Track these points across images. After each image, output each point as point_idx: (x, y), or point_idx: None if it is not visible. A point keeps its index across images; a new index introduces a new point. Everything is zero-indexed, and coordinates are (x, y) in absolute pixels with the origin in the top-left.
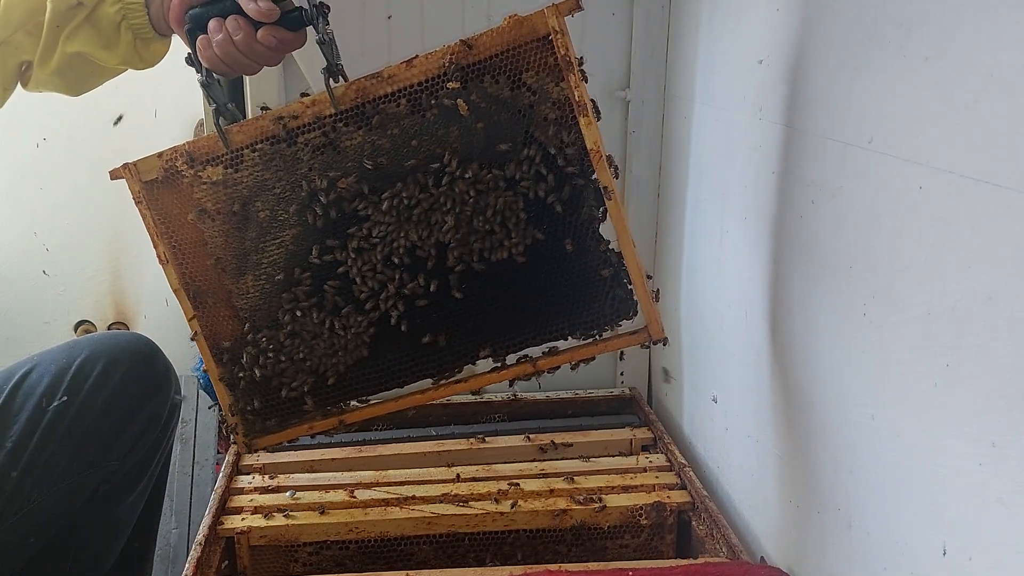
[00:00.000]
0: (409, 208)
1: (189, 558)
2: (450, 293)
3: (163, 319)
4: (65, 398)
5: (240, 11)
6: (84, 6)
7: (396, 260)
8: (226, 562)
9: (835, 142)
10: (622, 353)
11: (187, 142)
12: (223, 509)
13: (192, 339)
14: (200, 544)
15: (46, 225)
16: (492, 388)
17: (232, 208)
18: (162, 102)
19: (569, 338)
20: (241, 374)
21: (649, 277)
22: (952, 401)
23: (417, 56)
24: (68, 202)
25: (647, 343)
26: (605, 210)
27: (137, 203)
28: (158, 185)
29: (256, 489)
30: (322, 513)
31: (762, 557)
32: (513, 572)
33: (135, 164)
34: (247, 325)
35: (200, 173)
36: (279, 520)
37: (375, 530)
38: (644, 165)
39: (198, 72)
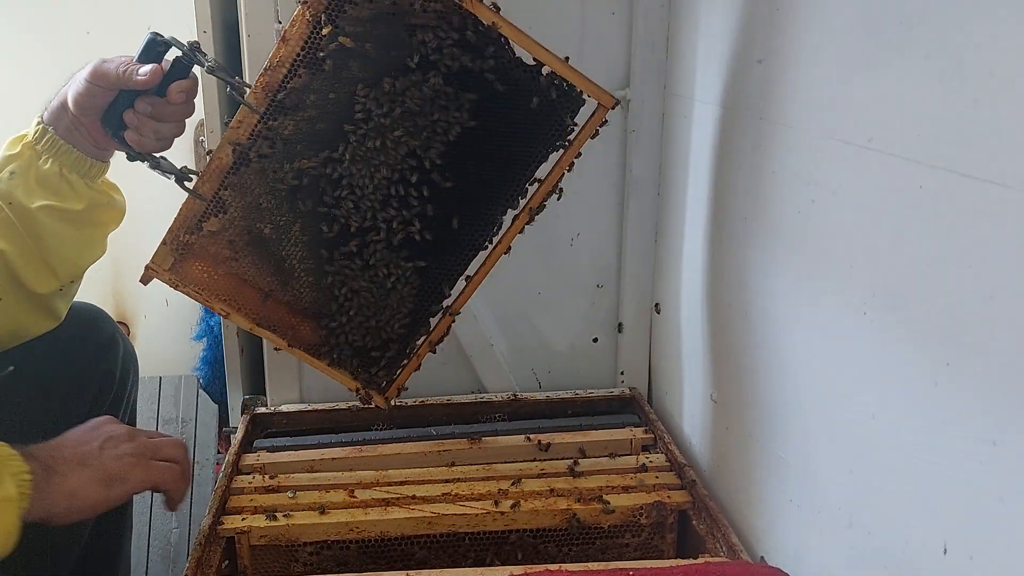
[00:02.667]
0: (365, 147)
1: (189, 558)
2: (442, 188)
3: (163, 319)
4: (11, 367)
5: (137, 92)
6: (16, 174)
7: (387, 191)
8: (226, 562)
9: (835, 142)
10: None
11: (174, 221)
12: (223, 509)
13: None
14: (200, 544)
15: None
16: (492, 388)
17: (245, 240)
18: None
19: (550, 156)
20: (346, 353)
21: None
22: (952, 401)
23: (284, 31)
24: None
25: (612, 108)
26: (506, 39)
27: (175, 288)
28: (179, 263)
29: (256, 489)
30: (322, 513)
31: (762, 557)
32: (513, 572)
33: (153, 262)
34: (319, 317)
35: (201, 233)
36: (279, 520)
37: (375, 530)
38: (644, 165)
39: (144, 161)
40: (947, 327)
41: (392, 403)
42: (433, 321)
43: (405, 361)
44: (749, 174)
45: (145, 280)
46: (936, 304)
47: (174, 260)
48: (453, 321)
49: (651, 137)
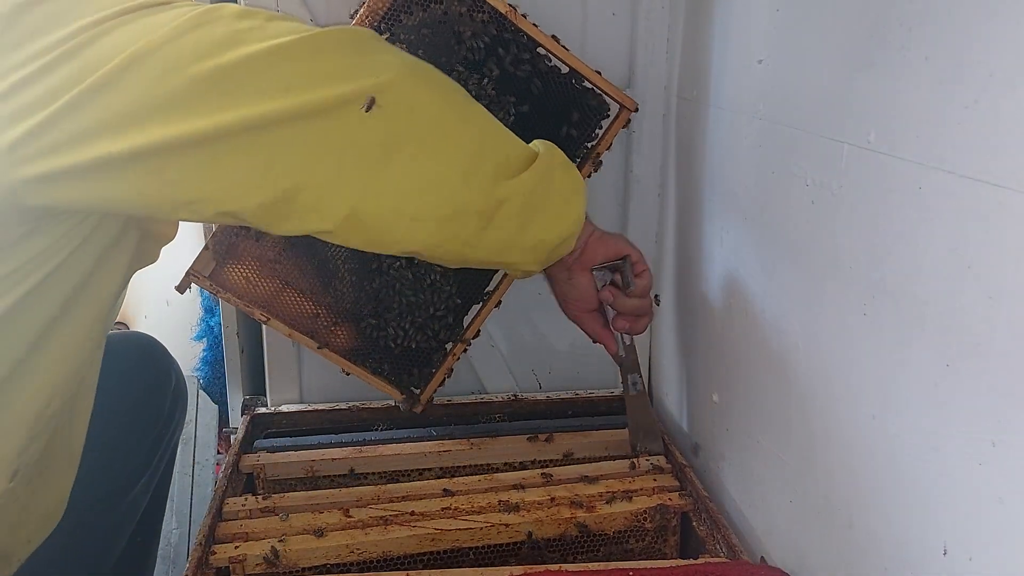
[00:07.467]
0: None
1: (189, 558)
2: None
3: (164, 319)
4: None
5: None
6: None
7: None
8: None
9: (835, 142)
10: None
11: (216, 229)
12: (213, 537)
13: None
14: (200, 544)
15: None
16: (492, 388)
17: (290, 241)
18: None
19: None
20: (385, 355)
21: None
22: (952, 401)
23: None
24: None
25: (632, 112)
26: (538, 45)
27: (215, 293)
28: (220, 268)
29: (251, 513)
30: (320, 536)
31: (762, 557)
32: (513, 572)
33: (193, 268)
34: (362, 318)
35: (248, 234)
36: (276, 545)
37: (376, 550)
38: (644, 165)
39: None
40: (947, 327)
41: (424, 405)
42: (466, 320)
43: (444, 357)
44: (749, 174)
45: (183, 287)
46: (936, 304)
47: (215, 265)
48: (497, 305)
49: (651, 137)
